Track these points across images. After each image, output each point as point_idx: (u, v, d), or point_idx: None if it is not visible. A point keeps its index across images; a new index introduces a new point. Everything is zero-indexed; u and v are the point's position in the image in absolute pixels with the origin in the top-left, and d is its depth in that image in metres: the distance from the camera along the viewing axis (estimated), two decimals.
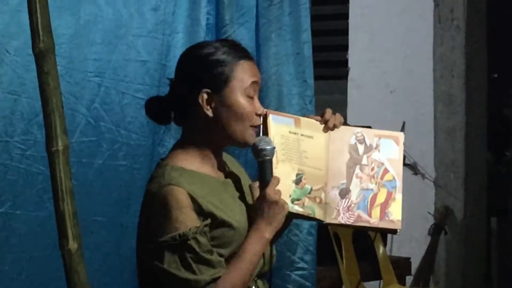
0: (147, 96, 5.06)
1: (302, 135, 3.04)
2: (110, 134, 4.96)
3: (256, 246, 2.91)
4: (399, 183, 3.12)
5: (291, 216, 3.09)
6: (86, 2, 4.85)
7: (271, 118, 2.98)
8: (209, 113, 2.97)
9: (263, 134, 3.02)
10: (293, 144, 3.01)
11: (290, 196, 2.94)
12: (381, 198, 3.09)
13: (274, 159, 2.99)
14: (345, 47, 7.63)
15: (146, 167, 5.03)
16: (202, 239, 2.85)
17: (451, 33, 7.24)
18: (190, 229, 2.83)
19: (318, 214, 3.01)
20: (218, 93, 2.96)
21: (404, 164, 6.99)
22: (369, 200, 3.08)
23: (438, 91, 7.30)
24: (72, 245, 3.58)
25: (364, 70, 7.51)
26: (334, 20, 7.59)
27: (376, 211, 3.07)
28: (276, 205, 2.88)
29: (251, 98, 2.99)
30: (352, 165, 3.08)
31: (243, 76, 2.96)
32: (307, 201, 2.98)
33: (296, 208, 2.96)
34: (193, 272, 2.83)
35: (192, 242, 2.82)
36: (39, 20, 3.56)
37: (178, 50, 5.12)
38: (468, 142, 7.32)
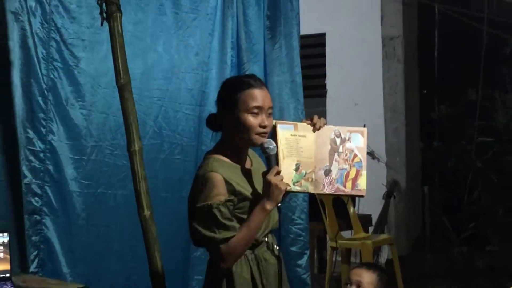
0: (192, 112, 5.12)
1: (299, 136, 3.00)
2: (169, 138, 4.96)
3: (259, 216, 2.86)
4: (364, 164, 3.09)
5: (293, 193, 3.10)
6: (151, 51, 4.86)
7: (279, 127, 2.95)
8: (231, 125, 2.95)
9: (273, 139, 2.96)
10: (293, 143, 2.98)
11: (292, 180, 2.93)
12: (352, 174, 3.06)
13: (280, 156, 2.95)
14: (323, 76, 7.60)
15: (193, 160, 5.03)
16: (224, 210, 2.82)
17: (394, 64, 7.22)
18: (215, 202, 2.81)
19: (310, 189, 2.97)
20: (232, 112, 2.92)
21: (367, 153, 7.04)
22: (344, 176, 3.04)
23: (387, 103, 7.28)
24: (147, 212, 3.60)
25: (337, 91, 7.48)
26: (316, 58, 7.56)
27: (349, 183, 3.03)
28: (273, 186, 2.84)
29: (257, 114, 2.92)
30: (332, 153, 3.04)
31: (246, 100, 2.91)
32: (303, 182, 2.96)
33: (296, 188, 2.91)
34: (213, 232, 2.81)
35: (215, 211, 2.80)
36: (120, 64, 3.58)
37: (212, 81, 5.15)
38: (407, 137, 7.30)
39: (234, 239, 2.83)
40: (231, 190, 2.87)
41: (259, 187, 2.94)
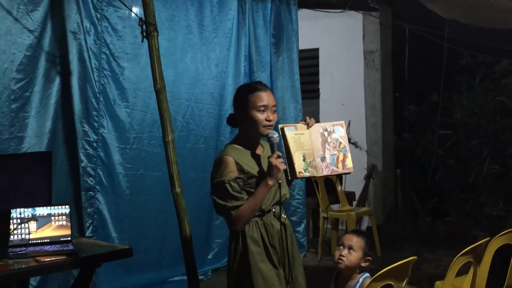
0: (213, 111, 5.13)
1: (299, 134, 3.03)
2: (195, 131, 4.99)
3: (262, 189, 2.88)
4: (347, 148, 3.11)
5: (305, 177, 3.09)
6: (180, 62, 4.87)
7: (285, 129, 2.98)
8: (244, 121, 2.97)
9: (282, 139, 2.96)
10: (297, 140, 2.98)
11: (303, 168, 2.95)
12: (340, 157, 3.06)
13: (292, 151, 2.97)
14: (317, 82, 7.57)
15: (213, 148, 5.04)
16: (234, 184, 2.85)
17: (373, 73, 7.19)
18: (227, 178, 2.84)
19: (315, 173, 2.99)
20: (245, 110, 2.94)
21: (351, 143, 7.04)
22: (335, 160, 3.06)
23: (367, 103, 7.24)
24: (178, 189, 3.60)
25: (327, 94, 7.45)
26: (311, 68, 7.53)
27: (340, 165, 3.03)
28: (274, 166, 2.87)
29: (263, 111, 2.94)
30: (323, 143, 3.04)
31: (254, 101, 2.93)
32: (310, 169, 2.98)
33: (306, 174, 2.94)
34: (225, 201, 2.84)
35: (227, 185, 2.83)
36: (157, 71, 3.57)
37: (229, 86, 5.17)
38: (384, 130, 7.25)
39: (242, 207, 2.86)
40: (240, 169, 2.90)
41: (266, 168, 2.94)
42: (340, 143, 3.15)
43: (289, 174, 2.99)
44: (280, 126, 3.01)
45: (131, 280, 4.57)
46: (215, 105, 5.10)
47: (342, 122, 3.21)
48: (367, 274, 3.24)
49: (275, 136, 2.96)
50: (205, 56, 5.07)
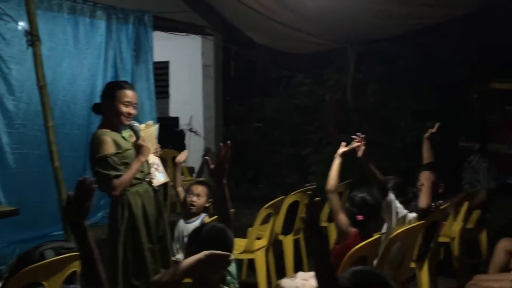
0: (85, 104, 4.91)
1: (144, 130, 2.96)
2: (70, 120, 4.85)
3: (136, 164, 2.77)
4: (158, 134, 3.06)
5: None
6: (58, 66, 4.68)
7: (136, 124, 2.90)
8: (111, 111, 2.82)
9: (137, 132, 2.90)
10: (145, 131, 2.95)
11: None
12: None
13: (143, 136, 2.88)
14: (167, 86, 7.52)
15: (85, 133, 4.80)
16: (115, 159, 2.71)
17: (208, 81, 7.23)
18: (108, 153, 2.71)
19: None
20: (112, 102, 2.79)
21: (192, 131, 7.08)
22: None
23: (204, 103, 7.26)
24: (57, 164, 3.49)
25: (175, 95, 7.43)
26: (163, 75, 7.43)
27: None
28: (144, 147, 2.80)
29: (127, 105, 2.80)
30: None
31: (121, 96, 2.80)
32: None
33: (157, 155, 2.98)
34: (109, 171, 2.69)
35: (109, 159, 2.70)
36: (39, 72, 3.46)
37: (98, 87, 4.98)
38: (216, 123, 7.20)
39: (122, 177, 2.74)
40: (117, 146, 2.79)
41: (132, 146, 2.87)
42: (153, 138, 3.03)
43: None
44: (134, 122, 2.91)
45: (18, 236, 4.37)
46: (87, 100, 4.96)
47: (155, 125, 3.10)
48: (206, 214, 3.33)
49: (136, 125, 2.89)
50: (79, 62, 4.94)
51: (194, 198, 3.33)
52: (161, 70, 7.42)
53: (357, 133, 3.05)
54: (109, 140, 2.77)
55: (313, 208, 1.88)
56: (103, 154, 2.72)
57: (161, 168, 3.10)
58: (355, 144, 3.01)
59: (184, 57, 7.38)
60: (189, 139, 7.19)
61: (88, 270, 1.61)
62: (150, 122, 3.13)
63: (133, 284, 2.74)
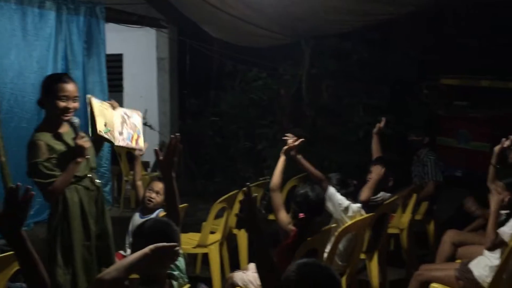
0: (34, 98, 4.58)
1: (105, 108, 2.83)
2: (18, 114, 4.74)
3: (73, 166, 2.61)
4: (141, 131, 3.06)
5: (103, 139, 2.87)
6: (4, 58, 4.56)
7: (93, 99, 2.78)
8: (49, 107, 2.64)
9: (90, 109, 2.74)
10: (102, 109, 2.83)
11: (104, 130, 2.77)
12: (135, 137, 2.97)
13: (95, 114, 2.73)
14: (121, 79, 7.39)
15: (34, 127, 4.78)
16: (47, 164, 2.57)
17: (163, 74, 7.22)
18: (39, 160, 2.56)
19: (113, 140, 2.83)
20: (49, 98, 2.63)
21: (147, 125, 7.00)
22: (131, 137, 2.99)
23: (159, 97, 7.23)
24: (3, 158, 3.46)
25: (130, 89, 7.31)
26: (117, 68, 7.28)
27: (134, 142, 2.96)
28: (80, 146, 2.59)
29: (65, 100, 2.62)
30: (123, 123, 2.90)
31: (57, 90, 2.62)
32: (109, 134, 2.83)
33: (105, 136, 2.77)
34: (41, 179, 2.56)
35: (40, 166, 2.56)
36: None
37: None
38: (171, 117, 7.27)
39: (56, 182, 2.60)
40: (51, 149, 2.63)
41: (71, 143, 2.70)
42: (136, 126, 3.10)
43: (90, 133, 2.78)
44: (88, 96, 2.84)
45: None
46: (36, 94, 4.72)
47: (139, 111, 3.17)
48: (161, 209, 3.36)
49: (76, 120, 2.71)
50: (27, 54, 4.82)
51: (153, 195, 3.38)
52: (115, 63, 7.30)
53: (286, 134, 3.23)
54: (42, 144, 2.61)
55: (249, 203, 1.87)
56: (34, 161, 2.59)
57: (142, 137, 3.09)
58: (290, 140, 3.16)
59: (138, 50, 7.30)
60: (144, 133, 7.07)
61: (29, 275, 1.60)
62: (114, 104, 2.97)
63: (57, 280, 2.62)
